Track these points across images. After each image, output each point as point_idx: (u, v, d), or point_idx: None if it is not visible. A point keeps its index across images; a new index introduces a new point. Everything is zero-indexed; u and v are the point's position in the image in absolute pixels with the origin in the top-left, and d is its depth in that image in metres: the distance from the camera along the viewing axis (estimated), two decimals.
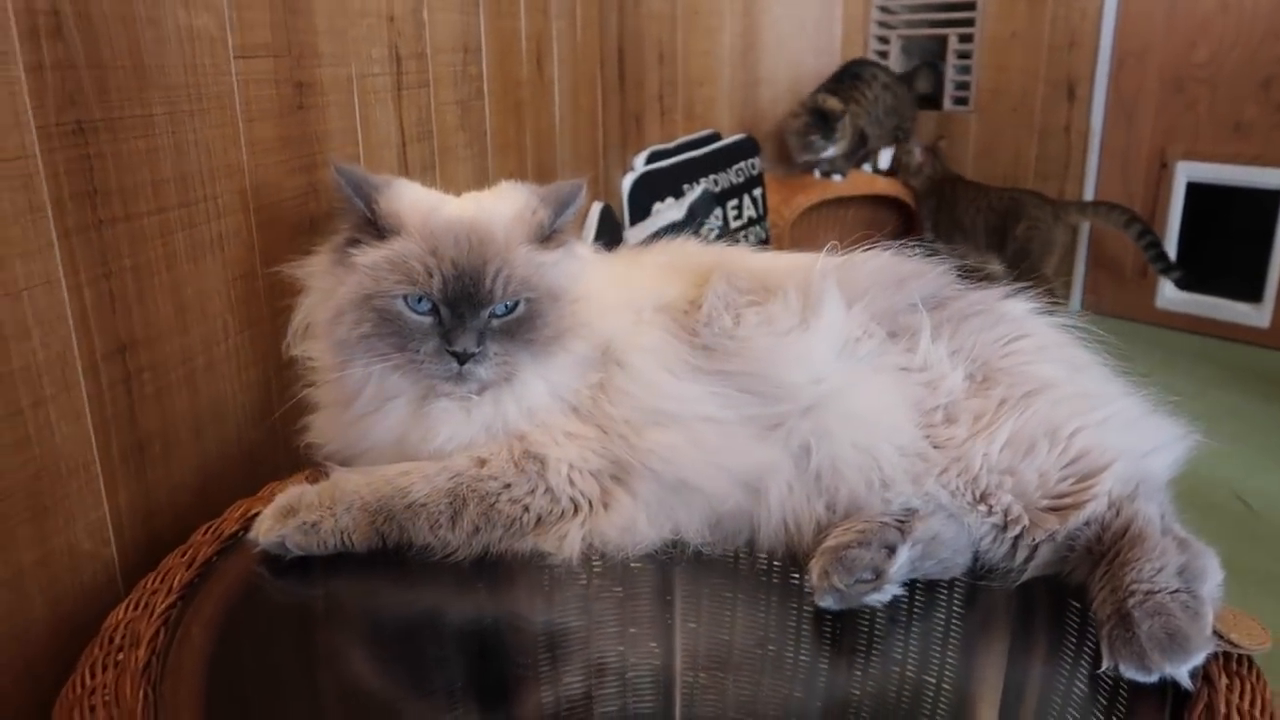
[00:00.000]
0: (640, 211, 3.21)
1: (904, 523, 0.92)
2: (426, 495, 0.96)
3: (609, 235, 2.72)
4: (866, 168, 3.94)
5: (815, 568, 0.90)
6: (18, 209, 0.85)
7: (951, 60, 3.85)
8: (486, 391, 1.00)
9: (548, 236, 1.02)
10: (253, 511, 1.05)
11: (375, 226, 0.98)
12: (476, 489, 0.97)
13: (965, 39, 3.78)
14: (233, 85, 1.14)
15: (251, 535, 0.97)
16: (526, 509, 0.97)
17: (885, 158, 3.89)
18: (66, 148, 0.90)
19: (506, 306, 0.98)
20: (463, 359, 0.96)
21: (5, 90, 0.83)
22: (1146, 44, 3.32)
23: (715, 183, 3.45)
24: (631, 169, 3.32)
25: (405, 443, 1.01)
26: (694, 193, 3.26)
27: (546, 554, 0.96)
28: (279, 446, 1.28)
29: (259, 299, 1.22)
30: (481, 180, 1.89)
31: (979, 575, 0.94)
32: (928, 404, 0.98)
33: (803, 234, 4.13)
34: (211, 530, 1.02)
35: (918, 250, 1.10)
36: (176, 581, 0.93)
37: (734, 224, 3.51)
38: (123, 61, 0.96)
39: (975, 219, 3.46)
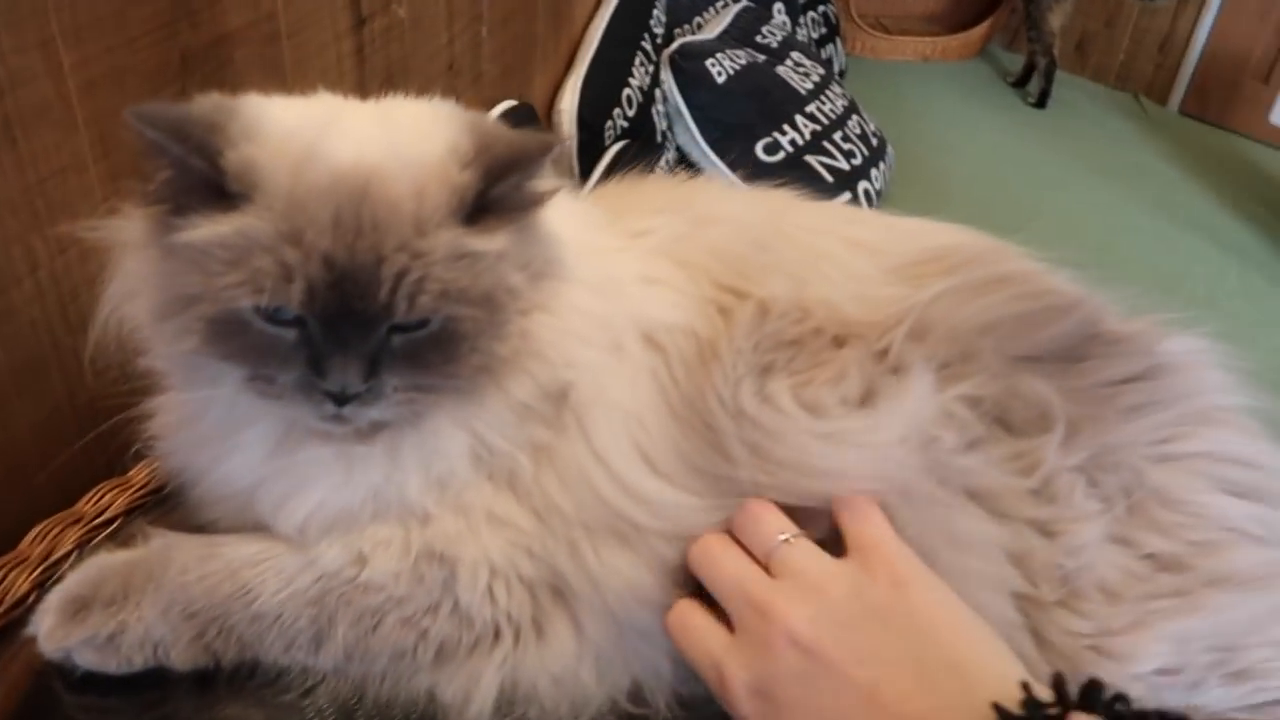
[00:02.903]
0: None
1: None
2: (280, 603, 0.65)
3: None
4: None
5: None
6: None
7: None
8: (381, 435, 0.66)
9: (482, 210, 0.60)
10: (56, 554, 0.75)
11: (217, 187, 0.59)
12: (352, 601, 0.65)
13: None
14: None
15: (31, 630, 0.67)
16: (424, 635, 0.65)
17: None
18: None
19: (417, 320, 0.63)
20: (341, 400, 0.62)
21: None
22: None
23: None
24: None
25: (259, 496, 0.68)
26: None
27: (445, 706, 0.67)
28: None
29: (91, 198, 0.85)
30: None
31: None
32: (1039, 560, 0.62)
33: None
34: None
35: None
36: None
37: None
38: None
39: None
